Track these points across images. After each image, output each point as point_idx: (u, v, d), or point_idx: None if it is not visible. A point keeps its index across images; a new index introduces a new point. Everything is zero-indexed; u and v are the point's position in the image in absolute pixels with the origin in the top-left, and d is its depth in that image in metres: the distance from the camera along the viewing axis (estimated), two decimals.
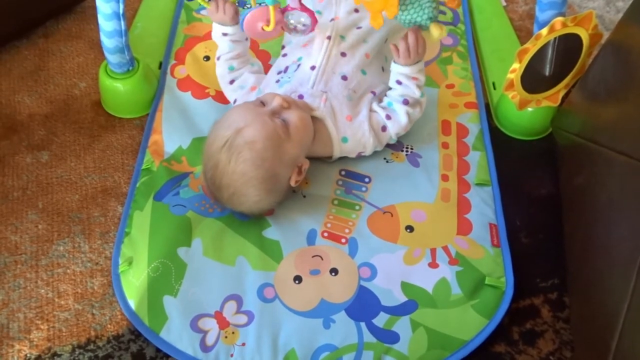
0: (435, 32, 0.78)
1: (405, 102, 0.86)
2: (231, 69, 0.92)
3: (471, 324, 0.75)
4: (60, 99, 0.99)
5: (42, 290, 0.79)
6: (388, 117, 0.86)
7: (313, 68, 0.86)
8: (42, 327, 0.76)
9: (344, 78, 0.86)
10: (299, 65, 0.88)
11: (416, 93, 0.86)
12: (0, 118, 0.96)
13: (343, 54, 0.88)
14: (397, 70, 0.85)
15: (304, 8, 0.83)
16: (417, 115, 0.88)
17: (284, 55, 0.92)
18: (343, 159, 0.88)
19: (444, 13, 1.11)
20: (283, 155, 0.78)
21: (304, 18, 0.84)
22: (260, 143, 0.76)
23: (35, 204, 0.86)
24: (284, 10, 0.84)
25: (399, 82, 0.86)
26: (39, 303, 0.77)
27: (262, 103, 0.81)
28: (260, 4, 0.84)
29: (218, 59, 0.92)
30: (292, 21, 0.85)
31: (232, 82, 0.91)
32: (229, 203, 0.79)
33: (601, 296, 0.68)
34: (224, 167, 0.76)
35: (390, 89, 0.88)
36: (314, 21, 0.84)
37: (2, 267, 0.80)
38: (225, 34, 0.89)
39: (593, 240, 0.73)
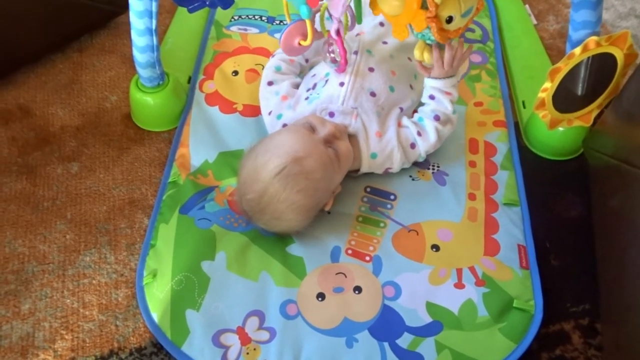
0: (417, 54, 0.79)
1: (437, 119, 0.86)
2: (278, 69, 0.93)
3: (498, 348, 0.73)
4: (92, 111, 1.01)
5: (68, 300, 0.79)
6: (419, 133, 0.85)
7: (342, 84, 0.86)
8: (66, 337, 0.76)
9: (373, 94, 0.86)
10: (326, 81, 0.88)
11: (449, 108, 0.86)
12: (34, 129, 0.98)
13: (371, 69, 0.88)
14: (431, 84, 0.85)
15: (342, 46, 0.83)
16: (447, 133, 0.87)
17: (313, 75, 0.92)
18: (368, 175, 0.88)
19: (472, 30, 1.11)
20: (331, 185, 0.80)
21: (337, 55, 0.85)
22: (318, 174, 0.76)
23: (64, 214, 0.88)
24: (326, 42, 0.86)
25: (432, 97, 0.86)
26: (64, 313, 0.78)
27: (312, 127, 0.80)
28: (295, 20, 0.84)
29: (273, 56, 0.95)
30: (330, 52, 0.86)
31: (270, 83, 0.92)
32: (265, 225, 0.79)
33: (635, 323, 0.66)
34: (275, 194, 0.75)
35: (422, 104, 0.88)
36: (344, 62, 0.85)
37: (30, 276, 0.82)
38: None
39: (628, 265, 0.70)
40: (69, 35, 1.09)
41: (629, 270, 0.70)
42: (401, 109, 0.88)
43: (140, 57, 0.90)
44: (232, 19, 1.12)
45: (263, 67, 1.00)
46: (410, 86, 0.91)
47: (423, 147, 0.86)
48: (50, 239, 0.85)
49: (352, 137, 0.84)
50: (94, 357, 0.75)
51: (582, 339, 0.77)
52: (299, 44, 0.84)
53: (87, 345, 0.76)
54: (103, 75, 1.06)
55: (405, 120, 0.86)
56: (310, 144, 0.77)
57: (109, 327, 0.77)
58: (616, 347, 0.72)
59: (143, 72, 0.93)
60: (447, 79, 0.84)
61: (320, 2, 0.84)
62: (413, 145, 0.86)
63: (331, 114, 0.85)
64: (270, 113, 0.91)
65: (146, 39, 0.88)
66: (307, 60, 0.95)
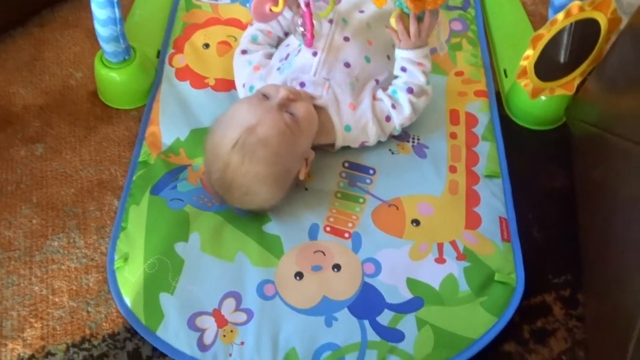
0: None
1: (410, 91, 0.83)
2: (254, 38, 0.91)
3: (480, 322, 0.73)
4: (56, 89, 0.97)
5: (36, 287, 0.77)
6: (393, 106, 0.83)
7: (315, 54, 0.83)
8: (35, 325, 0.74)
9: (347, 65, 0.83)
10: (299, 51, 0.85)
11: (421, 80, 0.83)
12: None
13: (346, 39, 0.85)
14: (401, 55, 0.83)
15: (310, 19, 0.80)
16: (422, 105, 0.85)
17: (287, 45, 0.89)
18: (346, 150, 0.85)
19: None
20: (295, 150, 0.76)
21: (305, 29, 0.81)
22: (275, 139, 0.73)
23: (29, 199, 0.84)
24: (295, 14, 0.82)
25: (403, 69, 0.84)
26: (33, 300, 0.76)
27: (265, 96, 0.77)
28: None
29: (251, 25, 0.93)
30: (299, 26, 0.82)
31: (244, 52, 0.90)
32: (239, 203, 0.77)
33: (619, 295, 0.65)
34: (236, 168, 0.73)
35: (396, 77, 0.85)
36: (310, 36, 0.81)
37: None
38: None
39: (610, 237, 0.69)
40: (29, 9, 1.03)
41: (611, 241, 0.69)
42: (377, 81, 0.85)
43: (102, 30, 0.86)
44: None
45: (236, 39, 0.96)
46: (388, 57, 0.88)
47: (398, 120, 0.83)
48: (16, 224, 0.82)
49: (323, 110, 0.81)
50: (65, 345, 0.72)
51: (564, 310, 0.77)
52: (270, 10, 0.81)
53: (58, 332, 0.73)
54: (67, 51, 1.01)
55: (380, 93, 0.84)
56: (262, 112, 0.74)
57: (80, 313, 0.75)
58: (598, 317, 0.71)
59: (107, 47, 0.89)
60: (417, 49, 0.81)
61: None
62: (388, 118, 0.83)
63: (302, 84, 0.82)
64: (244, 85, 0.87)
65: (107, 11, 0.84)
66: (286, 34, 0.92)
